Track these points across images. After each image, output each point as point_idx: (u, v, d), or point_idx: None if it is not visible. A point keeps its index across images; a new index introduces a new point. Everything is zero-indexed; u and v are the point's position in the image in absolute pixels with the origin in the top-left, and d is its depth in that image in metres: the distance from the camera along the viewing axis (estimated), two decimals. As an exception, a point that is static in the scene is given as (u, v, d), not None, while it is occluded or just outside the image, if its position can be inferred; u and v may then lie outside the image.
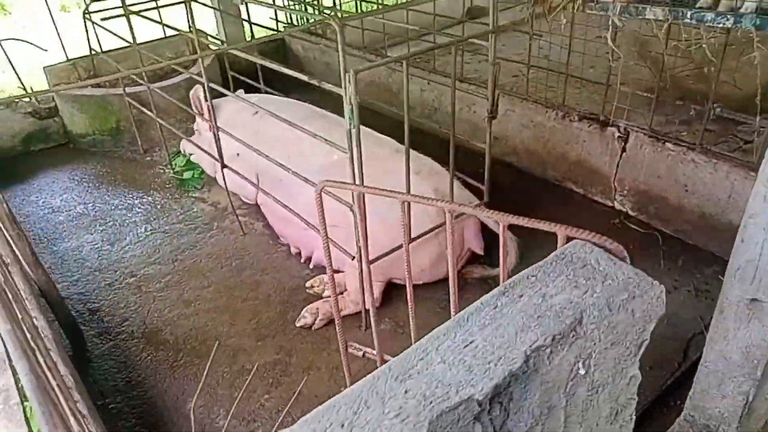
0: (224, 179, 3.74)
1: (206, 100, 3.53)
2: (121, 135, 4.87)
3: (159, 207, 4.07)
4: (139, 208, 4.08)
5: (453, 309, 1.77)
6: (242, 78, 4.55)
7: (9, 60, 4.68)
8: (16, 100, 4.84)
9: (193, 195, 4.21)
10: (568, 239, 1.34)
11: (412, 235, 2.89)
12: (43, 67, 4.86)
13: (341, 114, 2.38)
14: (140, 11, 4.17)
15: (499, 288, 1.19)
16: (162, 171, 4.51)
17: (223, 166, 3.58)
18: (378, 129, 3.56)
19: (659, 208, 3.38)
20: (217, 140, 3.51)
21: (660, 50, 2.94)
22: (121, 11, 4.02)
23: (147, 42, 5.03)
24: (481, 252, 3.14)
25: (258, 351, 2.86)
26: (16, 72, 4.78)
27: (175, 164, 4.46)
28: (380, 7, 5.18)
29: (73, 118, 4.85)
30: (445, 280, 3.24)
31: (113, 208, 4.09)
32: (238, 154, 3.78)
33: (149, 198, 4.19)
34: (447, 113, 4.51)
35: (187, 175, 4.36)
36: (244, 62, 5.24)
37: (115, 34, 4.20)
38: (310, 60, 5.82)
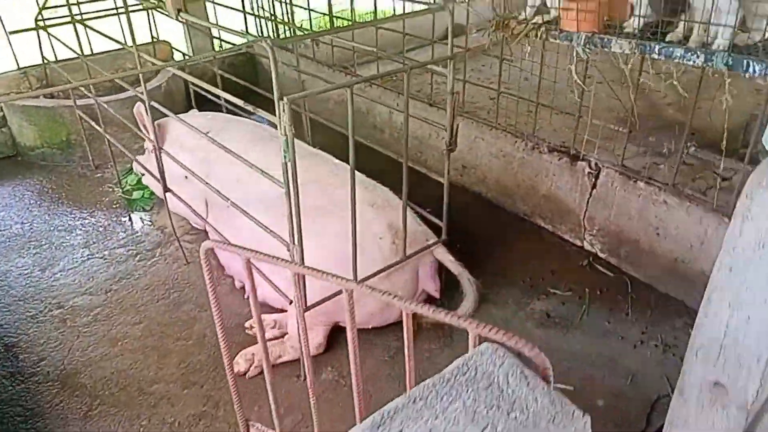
0: (166, 203, 3.48)
1: (149, 119, 3.27)
2: (73, 149, 4.60)
3: (102, 229, 3.80)
4: (80, 230, 3.80)
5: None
6: (204, 93, 4.28)
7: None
8: (-39, 109, 4.57)
9: (141, 217, 3.94)
10: (481, 339, 1.09)
11: (362, 274, 2.64)
12: (-9, 75, 4.59)
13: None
14: (101, 17, 3.94)
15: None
16: (111, 189, 4.24)
17: (166, 189, 3.32)
18: (344, 151, 3.28)
19: (630, 251, 3.16)
20: (159, 162, 3.25)
21: (642, 78, 2.74)
22: (69, 19, 3.78)
23: (105, 52, 4.77)
24: (436, 294, 2.90)
25: (183, 401, 2.59)
26: (-39, 79, 4.50)
27: (126, 183, 4.19)
28: (352, 24, 4.96)
29: (22, 129, 4.58)
30: (396, 324, 3.00)
31: (52, 228, 3.81)
32: (186, 177, 3.52)
33: (93, 219, 3.91)
34: (417, 137, 4.30)
35: (136, 194, 4.09)
36: (210, 74, 5.01)
37: (63, 44, 3.95)
38: (280, 74, 5.57)
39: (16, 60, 4.60)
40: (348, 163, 2.46)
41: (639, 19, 2.36)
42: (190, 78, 2.86)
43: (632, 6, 2.47)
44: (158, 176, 3.36)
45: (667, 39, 2.29)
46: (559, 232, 3.54)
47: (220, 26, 2.37)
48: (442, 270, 2.95)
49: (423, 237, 2.89)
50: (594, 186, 3.21)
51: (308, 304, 2.59)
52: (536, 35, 2.64)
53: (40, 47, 4.42)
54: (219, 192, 2.89)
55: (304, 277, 2.40)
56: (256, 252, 1.51)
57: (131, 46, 3.05)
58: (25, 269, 3.43)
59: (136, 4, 3.42)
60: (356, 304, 2.74)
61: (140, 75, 3.01)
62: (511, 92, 3.58)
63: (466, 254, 3.37)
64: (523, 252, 3.47)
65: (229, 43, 4.95)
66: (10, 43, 4.46)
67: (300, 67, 5.25)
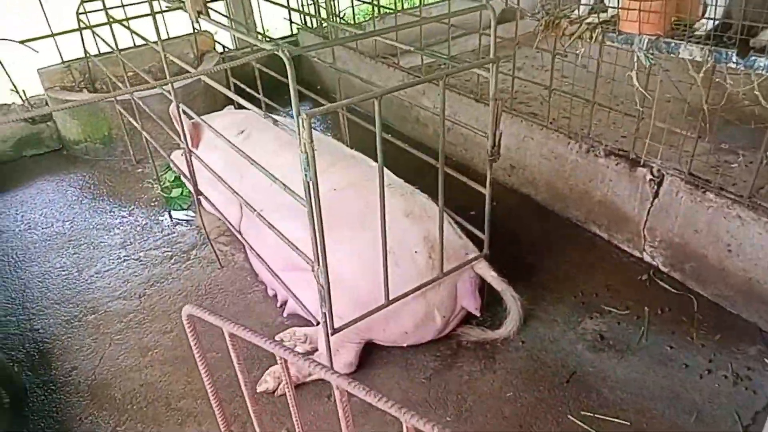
0: (198, 206, 3.38)
1: (181, 120, 3.17)
2: (114, 143, 4.58)
3: (139, 228, 3.76)
4: (118, 228, 3.77)
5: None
6: (243, 86, 4.15)
7: (0, 62, 4.44)
8: (11, 104, 4.62)
9: (178, 216, 3.88)
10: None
11: (397, 292, 2.47)
12: (37, 69, 4.60)
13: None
14: (136, 17, 3.86)
15: None
16: (150, 186, 4.20)
17: (198, 193, 3.23)
18: (388, 149, 3.07)
19: (697, 266, 2.86)
20: (190, 166, 3.15)
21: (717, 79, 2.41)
22: (111, 15, 3.71)
23: (143, 45, 4.71)
24: (477, 312, 2.69)
25: (210, 419, 2.50)
26: (7, 74, 4.54)
27: (164, 180, 4.13)
28: (395, 16, 4.73)
29: (66, 124, 4.59)
30: (435, 342, 2.82)
31: (91, 227, 3.80)
32: (221, 178, 3.42)
33: (131, 218, 3.88)
34: (462, 134, 4.06)
35: (175, 192, 4.02)
36: (249, 68, 4.89)
37: (102, 39, 3.90)
38: (323, 67, 5.41)
39: (60, 54, 4.60)
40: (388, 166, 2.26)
41: (713, 21, 2.04)
42: (206, 82, 2.71)
43: (705, 5, 2.14)
44: (199, 175, 3.27)
45: (750, 44, 1.97)
46: (615, 241, 3.26)
47: (236, 30, 2.20)
48: (483, 285, 2.74)
49: (462, 251, 2.68)
50: (656, 195, 2.91)
51: (340, 321, 2.45)
52: (591, 37, 2.36)
53: (83, 41, 4.40)
54: (246, 200, 2.76)
55: (329, 294, 2.25)
56: (238, 325, 1.36)
57: (166, 40, 2.93)
58: (64, 270, 3.42)
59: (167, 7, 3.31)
60: (389, 321, 2.61)
61: (167, 75, 2.89)
62: (565, 90, 3.29)
63: (511, 263, 3.15)
64: (574, 263, 3.21)
65: (267, 38, 4.80)
66: (54, 39, 4.45)
67: (342, 59, 5.07)
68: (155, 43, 2.94)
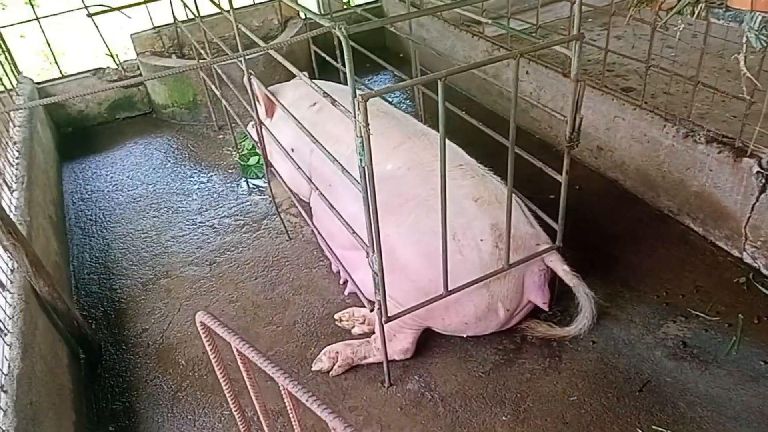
0: (268, 176, 3.38)
1: (253, 89, 3.15)
2: (198, 109, 4.70)
3: (215, 195, 3.84)
4: (196, 194, 3.87)
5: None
6: (324, 55, 4.06)
7: (96, 27, 4.62)
8: (105, 68, 4.83)
9: (254, 183, 3.92)
10: None
11: (459, 282, 2.34)
12: (130, 35, 4.76)
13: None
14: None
15: None
16: (229, 153, 4.27)
17: (268, 164, 3.22)
18: (463, 125, 2.91)
19: (805, 274, 2.52)
20: (260, 135, 3.14)
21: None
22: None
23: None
24: (545, 307, 2.51)
25: (265, 393, 2.49)
26: (103, 39, 4.73)
27: (242, 147, 4.18)
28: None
29: (155, 88, 4.75)
30: (498, 334, 2.68)
31: (172, 191, 3.92)
32: (293, 149, 3.39)
33: (209, 184, 3.97)
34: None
35: (252, 160, 4.07)
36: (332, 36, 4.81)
37: (186, 5, 3.94)
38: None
39: (151, 19, 4.72)
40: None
41: None
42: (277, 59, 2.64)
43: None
44: (275, 144, 3.26)
45: None
46: (711, 237, 2.94)
47: (347, 7, 2.11)
48: (555, 278, 2.55)
49: (533, 241, 2.50)
50: (763, 189, 2.57)
51: (399, 307, 2.37)
52: (692, 13, 2.05)
53: (172, 7, 4.49)
54: (314, 174, 2.71)
55: (383, 281, 2.17)
56: (245, 342, 1.29)
57: (250, 6, 2.90)
58: (144, 233, 3.56)
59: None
60: (449, 310, 2.50)
61: (237, 39, 2.86)
62: (664, 67, 2.95)
63: (590, 253, 2.94)
64: (661, 258, 2.93)
65: (347, 5, 4.65)
66: (146, 6, 4.57)
67: (426, 26, 4.87)
68: (228, 12, 2.90)
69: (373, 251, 2.06)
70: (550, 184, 2.44)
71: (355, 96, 1.73)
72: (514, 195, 2.62)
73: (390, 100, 3.93)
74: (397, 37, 5.33)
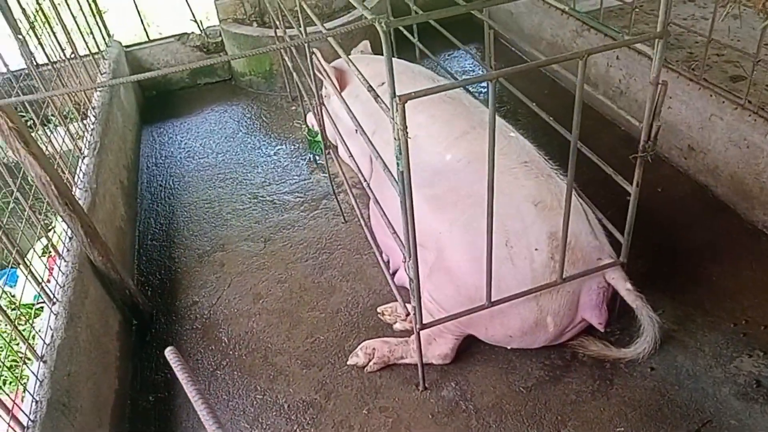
0: (326, 156, 3.32)
1: (325, 66, 3.06)
2: (275, 79, 4.69)
3: (280, 170, 3.84)
4: (262, 167, 3.89)
5: None
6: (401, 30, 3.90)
7: (183, -8, 4.70)
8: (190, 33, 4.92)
9: (319, 159, 3.88)
10: None
11: (507, 293, 2.19)
12: (214, 2, 4.79)
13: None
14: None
15: None
16: (299, 126, 4.25)
17: (327, 148, 3.15)
18: (534, 116, 2.69)
19: None
20: (320, 118, 3.06)
21: None
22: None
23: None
24: (600, 327, 2.30)
25: (299, 381, 2.51)
26: (188, 4, 4.80)
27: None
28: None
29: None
30: (546, 347, 2.50)
31: (240, 162, 3.96)
32: (356, 130, 3.30)
33: (276, 157, 3.97)
34: (635, 100, 3.45)
35: (319, 136, 4.02)
36: (406, 5, 4.61)
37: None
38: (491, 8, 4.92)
39: (235, -14, 4.72)
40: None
41: None
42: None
43: None
44: (341, 123, 3.19)
45: None
46: (810, 262, 2.57)
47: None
48: (616, 296, 2.33)
49: (595, 254, 2.28)
50: None
51: (442, 311, 2.26)
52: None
53: (253, -26, 4.45)
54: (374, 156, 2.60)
55: (419, 289, 2.05)
56: (201, 397, 1.20)
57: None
58: (207, 203, 3.63)
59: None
60: (494, 320, 2.35)
61: (318, 23, 2.76)
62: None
63: (663, 268, 2.67)
64: (746, 280, 2.61)
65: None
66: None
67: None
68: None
69: (410, 256, 1.94)
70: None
71: (394, 96, 1.59)
72: (580, 201, 2.40)
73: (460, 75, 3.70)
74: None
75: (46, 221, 2.54)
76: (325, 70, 3.19)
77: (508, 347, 2.44)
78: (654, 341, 2.22)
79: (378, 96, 1.83)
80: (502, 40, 4.68)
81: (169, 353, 1.17)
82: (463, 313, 2.16)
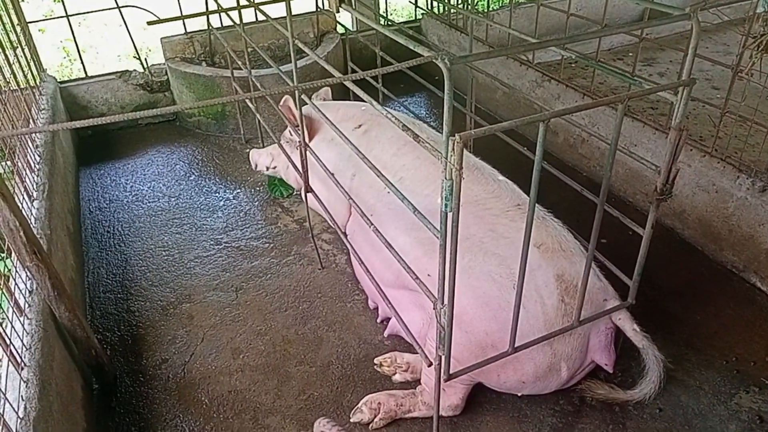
0: (306, 201, 3.17)
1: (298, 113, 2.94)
2: (227, 120, 4.50)
3: (242, 214, 3.62)
4: (222, 211, 3.65)
5: None
6: (359, 71, 3.88)
7: (127, 28, 4.45)
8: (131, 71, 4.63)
9: (282, 203, 3.71)
10: None
11: (519, 338, 2.12)
12: (161, 39, 4.57)
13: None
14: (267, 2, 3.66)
15: None
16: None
17: (308, 190, 3.01)
18: (509, 160, 2.71)
19: None
20: (303, 160, 2.93)
21: None
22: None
23: (263, 21, 4.56)
24: (609, 369, 2.29)
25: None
26: (132, 40, 4.55)
27: (271, 164, 3.98)
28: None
29: (182, 95, 4.55)
30: (555, 393, 2.46)
31: (196, 206, 3.70)
32: (333, 173, 3.18)
33: (235, 201, 3.75)
34: (598, 148, 3.60)
35: (279, 181, 3.85)
36: (369, 52, 4.63)
37: (227, 13, 3.75)
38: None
39: (184, 24, 4.53)
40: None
41: None
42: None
43: None
44: (301, 172, 3.05)
45: None
46: (782, 299, 2.73)
47: (384, 25, 1.92)
48: (619, 337, 2.34)
49: (601, 295, 2.29)
50: None
51: (453, 365, 2.15)
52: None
53: (207, 14, 4.30)
54: (355, 204, 2.50)
55: (450, 337, 1.95)
56: None
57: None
58: (165, 250, 3.33)
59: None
60: (507, 367, 2.27)
61: (293, 58, 2.67)
62: (743, 115, 2.76)
63: (649, 310, 2.73)
64: (727, 319, 2.72)
65: (392, 23, 4.49)
66: (180, 9, 4.38)
67: (466, 50, 4.68)
68: (277, 19, 2.70)
69: (443, 303, 1.84)
70: (602, 227, 2.23)
71: (452, 135, 1.52)
72: (578, 244, 2.42)
73: (429, 122, 3.71)
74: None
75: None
76: (295, 115, 3.09)
77: (519, 394, 2.36)
78: (659, 382, 2.23)
79: (417, 136, 1.75)
80: (458, 91, 4.77)
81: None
82: (488, 360, 2.07)
